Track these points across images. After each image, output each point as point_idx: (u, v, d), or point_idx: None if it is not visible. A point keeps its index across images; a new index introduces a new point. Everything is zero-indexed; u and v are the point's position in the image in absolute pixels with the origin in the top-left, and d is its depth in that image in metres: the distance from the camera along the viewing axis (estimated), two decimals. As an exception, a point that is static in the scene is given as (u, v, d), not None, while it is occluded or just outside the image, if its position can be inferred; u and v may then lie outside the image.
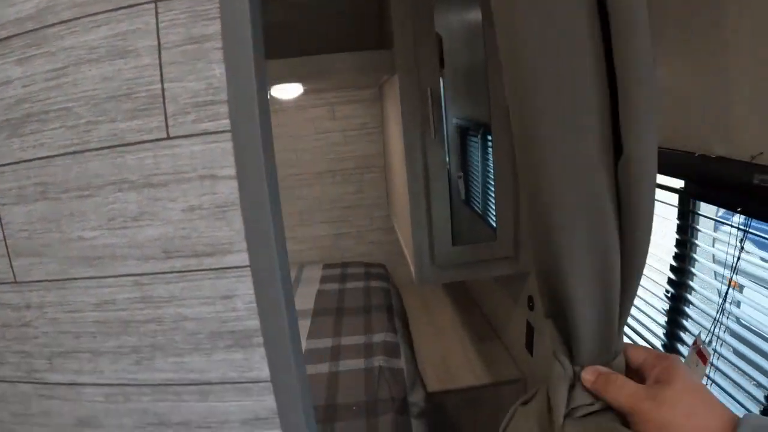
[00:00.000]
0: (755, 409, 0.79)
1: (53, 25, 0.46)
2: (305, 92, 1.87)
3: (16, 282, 0.50)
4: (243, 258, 0.44)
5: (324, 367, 1.41)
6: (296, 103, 2.14)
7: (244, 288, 0.45)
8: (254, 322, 0.46)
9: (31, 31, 0.46)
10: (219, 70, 0.42)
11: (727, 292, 0.87)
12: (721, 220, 0.90)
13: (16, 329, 0.51)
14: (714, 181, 0.90)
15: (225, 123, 0.42)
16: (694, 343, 0.88)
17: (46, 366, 0.51)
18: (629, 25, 0.35)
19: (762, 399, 0.79)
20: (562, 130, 0.37)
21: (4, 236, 0.49)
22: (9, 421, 0.55)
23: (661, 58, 0.99)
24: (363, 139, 2.35)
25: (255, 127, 0.41)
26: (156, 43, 0.43)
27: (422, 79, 1.28)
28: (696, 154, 0.91)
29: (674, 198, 1.04)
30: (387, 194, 2.38)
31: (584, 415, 0.40)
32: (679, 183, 1.01)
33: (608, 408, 0.40)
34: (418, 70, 1.28)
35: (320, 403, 1.25)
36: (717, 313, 0.89)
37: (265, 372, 0.47)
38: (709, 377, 0.89)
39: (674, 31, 0.94)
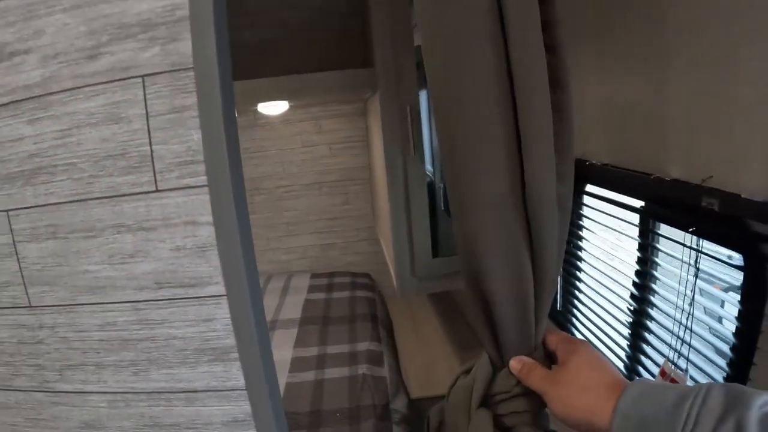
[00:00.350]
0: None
1: (57, 92, 0.55)
2: (291, 107, 1.98)
3: (30, 306, 0.61)
4: (220, 288, 0.56)
5: (310, 375, 1.53)
6: (283, 117, 2.26)
7: (222, 312, 0.57)
8: (231, 341, 0.58)
9: (38, 96, 0.56)
10: (197, 136, 0.53)
11: (692, 312, 0.96)
12: (689, 245, 0.94)
13: (30, 346, 0.62)
14: (668, 203, 0.97)
15: (203, 179, 0.54)
16: (662, 371, 0.93)
17: (56, 377, 0.63)
18: (530, 89, 0.45)
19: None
20: (479, 173, 0.48)
21: (20, 268, 0.60)
22: (22, 425, 0.66)
23: (622, 77, 1.08)
24: (348, 152, 2.47)
25: (227, 183, 0.53)
26: (144, 111, 0.54)
27: (402, 96, 1.38)
28: (652, 176, 1.00)
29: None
30: (372, 206, 2.50)
31: (499, 402, 0.52)
32: (640, 203, 1.11)
33: (521, 395, 0.51)
34: (398, 88, 1.37)
35: (305, 410, 1.36)
36: (679, 329, 0.98)
37: (241, 381, 0.59)
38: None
39: (635, 52, 1.02)
